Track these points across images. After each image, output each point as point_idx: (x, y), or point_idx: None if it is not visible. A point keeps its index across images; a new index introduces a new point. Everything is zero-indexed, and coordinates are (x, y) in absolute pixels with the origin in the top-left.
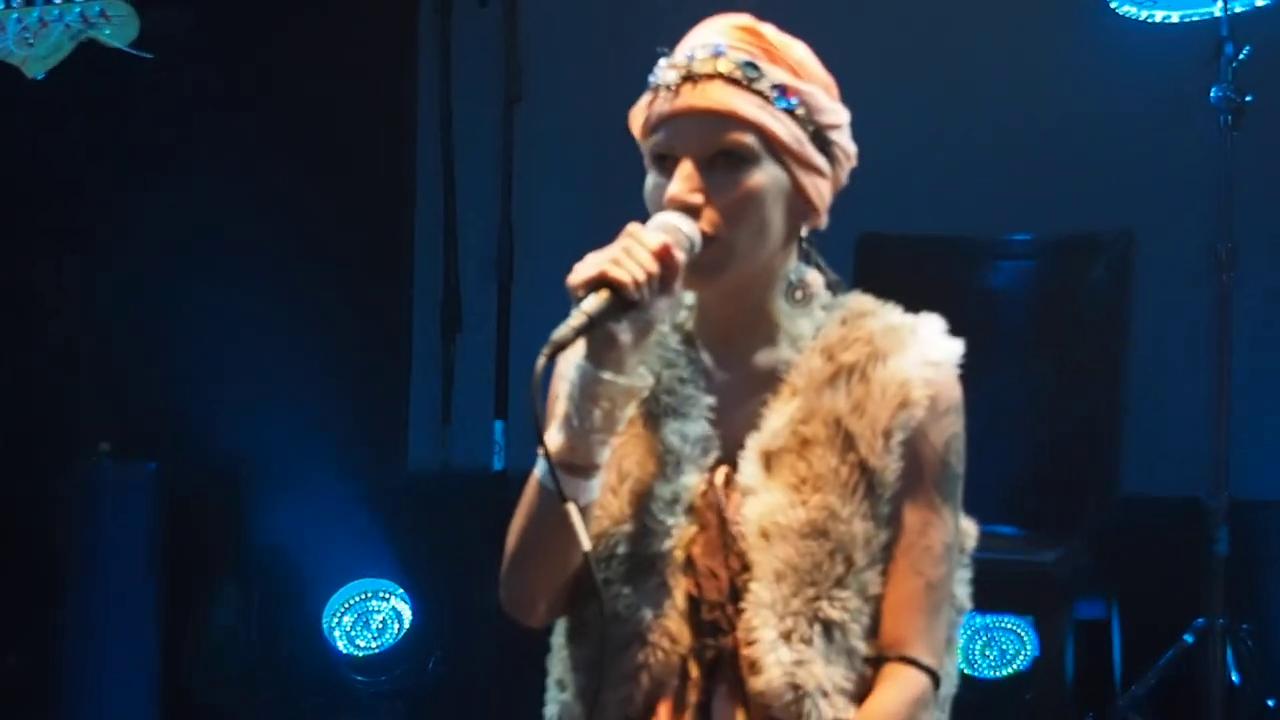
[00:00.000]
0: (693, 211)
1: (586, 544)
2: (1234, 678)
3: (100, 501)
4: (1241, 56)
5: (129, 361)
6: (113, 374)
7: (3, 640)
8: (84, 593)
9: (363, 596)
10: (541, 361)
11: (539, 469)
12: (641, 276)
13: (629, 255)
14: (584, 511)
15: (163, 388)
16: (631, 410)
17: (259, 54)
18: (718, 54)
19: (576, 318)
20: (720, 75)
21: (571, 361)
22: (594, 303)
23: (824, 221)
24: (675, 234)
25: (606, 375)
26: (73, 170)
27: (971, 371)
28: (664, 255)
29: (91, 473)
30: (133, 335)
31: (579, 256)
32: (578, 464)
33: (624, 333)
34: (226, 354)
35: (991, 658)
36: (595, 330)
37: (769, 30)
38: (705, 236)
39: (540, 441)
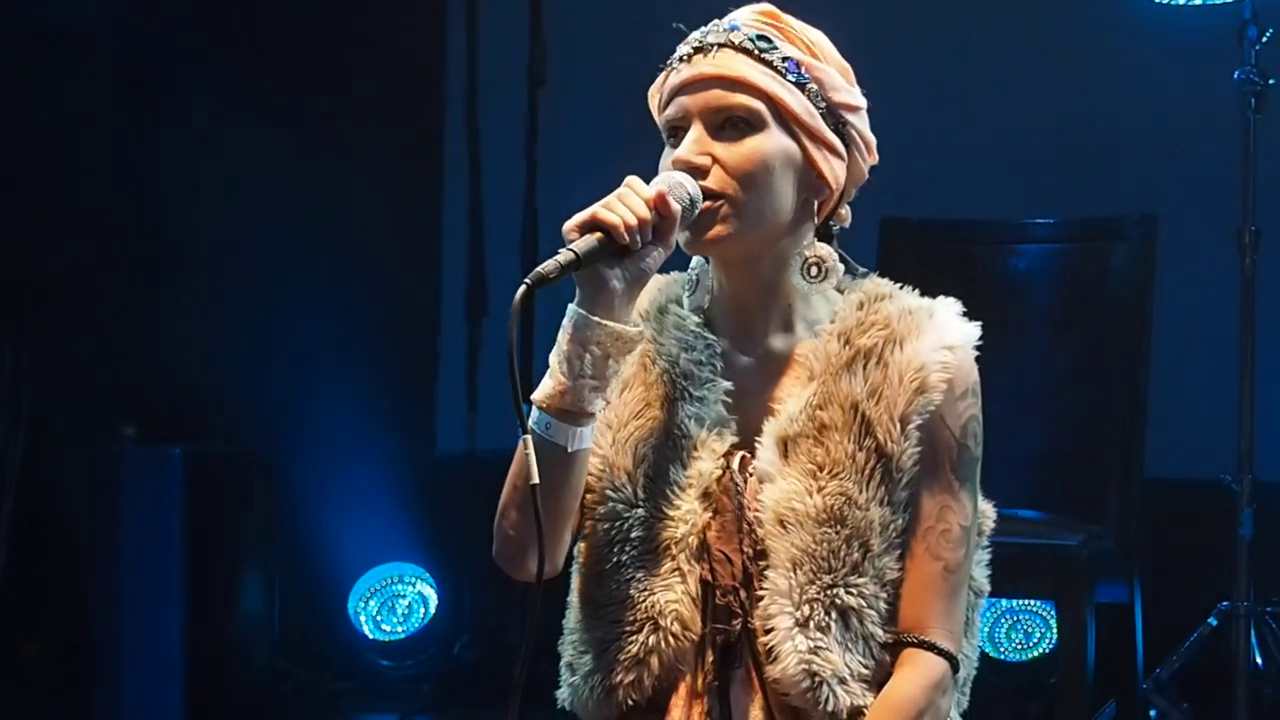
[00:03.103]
0: (699, 172)
1: (535, 477)
2: (1258, 660)
3: (124, 487)
4: (1265, 39)
5: (153, 345)
6: (136, 357)
7: (24, 628)
8: (108, 578)
9: (389, 581)
10: (521, 291)
11: (533, 416)
12: (633, 220)
13: (622, 201)
14: (575, 458)
15: (187, 372)
16: (624, 365)
17: (288, 41)
18: (732, 29)
19: (563, 254)
20: (732, 45)
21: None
22: (583, 243)
23: (847, 217)
24: (675, 187)
25: (597, 318)
26: (102, 154)
27: (994, 356)
28: (659, 203)
29: (115, 457)
30: (156, 319)
31: None
32: (568, 409)
33: (616, 279)
34: (252, 338)
35: (1016, 641)
36: (585, 272)
37: (788, 16)
38: (711, 194)
39: (512, 372)
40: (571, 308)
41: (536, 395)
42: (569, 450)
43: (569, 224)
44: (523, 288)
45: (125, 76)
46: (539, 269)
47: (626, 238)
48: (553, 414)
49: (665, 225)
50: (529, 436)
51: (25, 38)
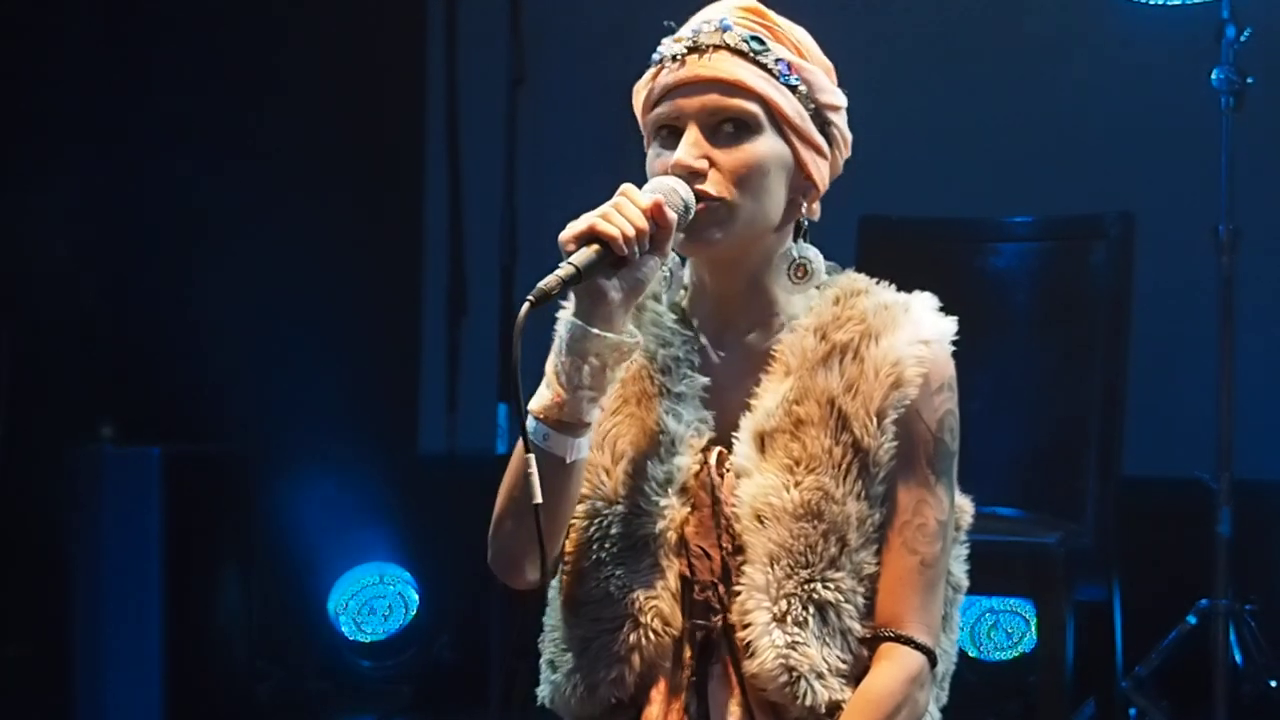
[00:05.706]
0: (697, 176)
1: (538, 497)
2: (1237, 659)
3: (103, 487)
4: (1243, 38)
5: (132, 344)
6: (115, 356)
7: (3, 628)
8: (87, 579)
9: (369, 582)
10: (525, 309)
11: (529, 425)
12: (631, 232)
13: (619, 211)
14: (573, 468)
15: (166, 372)
16: (621, 372)
17: (269, 38)
18: (724, 28)
19: (564, 269)
20: (726, 47)
21: (562, 318)
22: (582, 256)
23: (817, 211)
24: (669, 194)
25: (596, 330)
26: (84, 152)
27: (973, 354)
28: (655, 213)
29: (94, 458)
30: (135, 318)
31: None
32: (566, 420)
33: (613, 289)
34: (233, 337)
35: (996, 640)
36: (583, 284)
37: (772, 12)
38: (708, 199)
39: (515, 392)
40: (568, 318)
41: (533, 405)
42: (567, 461)
43: (565, 234)
44: (525, 305)
45: (106, 75)
46: (541, 285)
47: (625, 249)
48: (550, 425)
49: (661, 235)
50: (532, 456)
51: (5, 29)
